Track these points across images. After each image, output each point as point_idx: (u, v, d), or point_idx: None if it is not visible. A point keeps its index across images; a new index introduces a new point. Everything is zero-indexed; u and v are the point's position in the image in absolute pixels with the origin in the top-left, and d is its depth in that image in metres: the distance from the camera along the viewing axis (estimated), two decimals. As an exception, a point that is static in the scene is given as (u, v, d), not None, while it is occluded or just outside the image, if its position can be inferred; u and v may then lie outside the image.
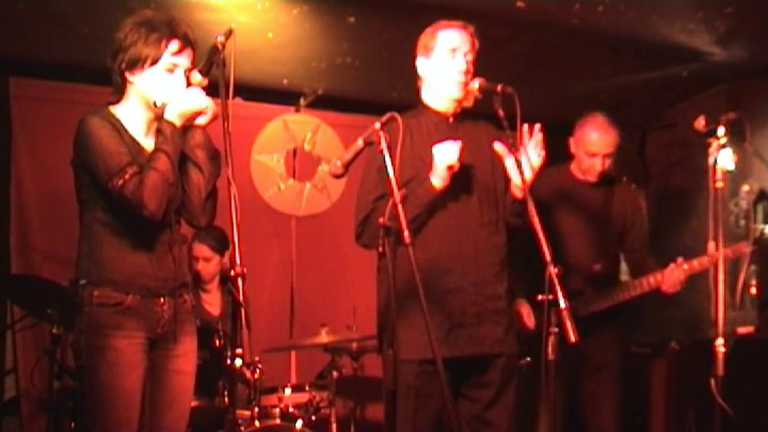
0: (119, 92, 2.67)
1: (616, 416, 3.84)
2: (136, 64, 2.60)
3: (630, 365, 4.22)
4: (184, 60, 2.64)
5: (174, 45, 2.61)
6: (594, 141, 3.84)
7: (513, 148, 2.77)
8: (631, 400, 4.24)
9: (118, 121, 2.64)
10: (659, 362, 4.84)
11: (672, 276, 3.69)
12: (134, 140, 2.65)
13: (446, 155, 2.82)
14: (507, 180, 2.94)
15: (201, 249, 4.29)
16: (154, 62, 2.60)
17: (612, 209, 3.96)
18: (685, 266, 3.68)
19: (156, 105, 2.63)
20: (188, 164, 2.71)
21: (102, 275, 2.60)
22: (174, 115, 2.60)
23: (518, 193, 2.89)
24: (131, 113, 2.67)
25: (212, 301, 4.35)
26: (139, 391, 2.62)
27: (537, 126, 2.80)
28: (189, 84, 2.63)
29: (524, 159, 2.76)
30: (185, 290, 2.78)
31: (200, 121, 2.68)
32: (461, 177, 2.90)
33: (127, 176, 2.52)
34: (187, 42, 2.64)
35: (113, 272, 2.60)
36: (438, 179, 2.85)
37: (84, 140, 2.57)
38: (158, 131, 2.62)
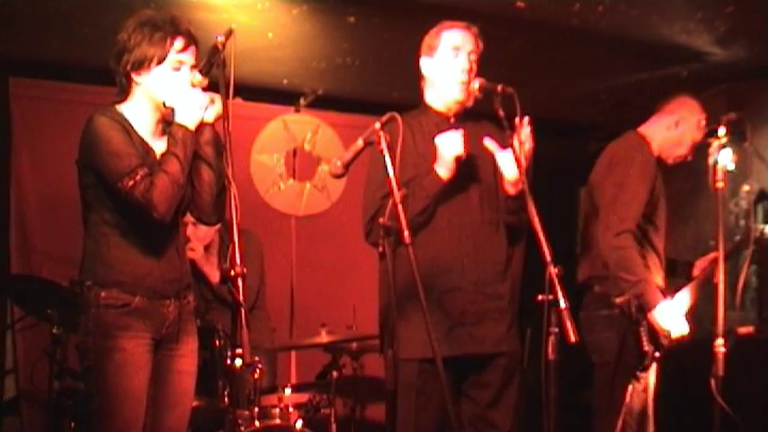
0: (123, 92, 2.66)
1: None
2: (142, 64, 2.60)
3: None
4: (189, 57, 2.64)
5: (179, 43, 2.61)
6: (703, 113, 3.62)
7: (510, 146, 2.76)
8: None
9: (126, 120, 2.63)
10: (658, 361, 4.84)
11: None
12: (142, 141, 2.64)
13: (451, 145, 2.82)
14: (500, 176, 2.93)
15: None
16: (160, 61, 2.60)
17: None
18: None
19: (164, 105, 2.63)
20: (198, 162, 2.70)
21: (110, 277, 2.59)
22: (186, 119, 2.59)
23: (510, 189, 2.89)
24: (139, 113, 2.66)
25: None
26: (146, 391, 2.62)
27: (526, 119, 2.78)
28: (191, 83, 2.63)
29: (515, 152, 2.72)
30: (189, 291, 2.78)
31: (209, 117, 2.66)
32: (463, 176, 2.89)
33: (138, 178, 2.51)
34: (191, 40, 2.64)
35: (121, 273, 2.60)
36: (445, 169, 2.84)
37: (92, 140, 2.56)
38: (170, 134, 2.61)
